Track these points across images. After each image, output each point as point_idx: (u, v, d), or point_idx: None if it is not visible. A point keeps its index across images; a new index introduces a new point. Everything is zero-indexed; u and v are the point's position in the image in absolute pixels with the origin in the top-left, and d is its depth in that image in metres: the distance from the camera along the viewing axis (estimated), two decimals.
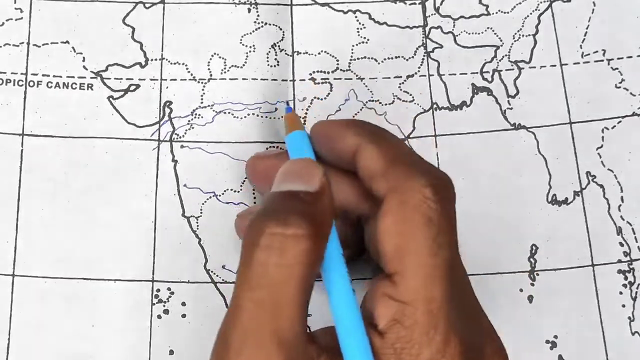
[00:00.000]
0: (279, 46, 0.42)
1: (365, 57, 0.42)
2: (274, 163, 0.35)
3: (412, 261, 0.29)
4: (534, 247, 0.40)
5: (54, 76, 0.41)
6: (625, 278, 0.40)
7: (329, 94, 0.41)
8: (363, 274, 0.39)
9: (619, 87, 0.42)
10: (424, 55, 0.42)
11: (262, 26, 0.42)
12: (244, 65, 0.41)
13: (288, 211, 0.28)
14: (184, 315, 0.39)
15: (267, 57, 0.41)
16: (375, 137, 0.32)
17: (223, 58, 0.41)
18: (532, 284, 0.40)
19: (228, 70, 0.41)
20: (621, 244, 0.40)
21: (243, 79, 0.41)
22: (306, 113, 0.41)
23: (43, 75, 0.41)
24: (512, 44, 0.42)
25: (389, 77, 0.42)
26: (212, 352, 0.29)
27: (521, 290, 0.40)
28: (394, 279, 0.29)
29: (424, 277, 0.29)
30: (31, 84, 0.41)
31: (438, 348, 0.28)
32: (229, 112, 0.41)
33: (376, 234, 0.30)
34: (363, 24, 0.42)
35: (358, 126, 0.33)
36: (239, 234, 0.37)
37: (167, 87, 0.41)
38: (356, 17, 0.42)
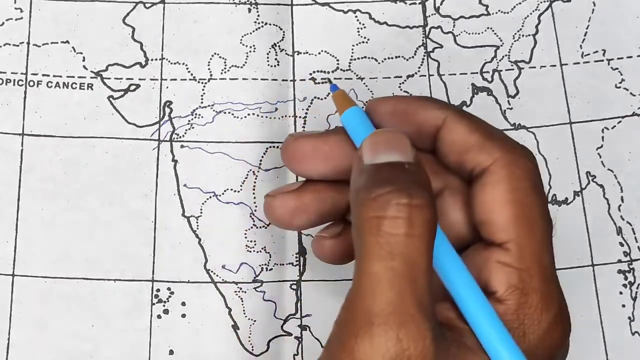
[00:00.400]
0: (279, 46, 0.42)
1: (365, 57, 0.42)
2: (320, 143, 0.33)
3: (527, 229, 0.29)
4: None
5: (54, 76, 0.41)
6: (625, 278, 0.40)
7: (329, 93, 0.41)
8: None
9: (619, 87, 0.42)
10: (424, 55, 0.42)
11: (262, 26, 0.42)
12: (244, 65, 0.41)
13: (407, 182, 0.28)
14: (183, 315, 0.39)
15: (268, 57, 0.41)
16: (460, 112, 0.32)
17: (223, 58, 0.41)
18: None
19: (228, 70, 0.41)
20: (621, 244, 0.40)
21: (243, 78, 0.41)
22: (306, 113, 0.41)
23: (43, 75, 0.41)
24: (512, 44, 0.42)
25: (389, 77, 0.42)
26: (339, 327, 0.28)
27: None
28: (507, 247, 0.29)
29: (538, 245, 0.29)
30: (31, 83, 0.41)
31: (555, 315, 0.29)
32: (229, 112, 0.41)
33: (479, 204, 0.30)
34: (363, 24, 0.42)
35: (438, 101, 0.33)
36: (270, 214, 0.34)
37: (167, 87, 0.41)
38: (356, 17, 0.42)
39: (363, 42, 0.42)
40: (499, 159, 0.30)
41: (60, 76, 0.41)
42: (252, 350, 0.38)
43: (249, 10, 0.42)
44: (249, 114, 0.41)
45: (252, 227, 0.40)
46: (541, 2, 0.43)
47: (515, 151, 0.30)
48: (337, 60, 0.42)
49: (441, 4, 0.43)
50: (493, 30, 0.43)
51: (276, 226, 0.35)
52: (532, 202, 0.30)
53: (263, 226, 0.40)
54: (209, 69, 0.41)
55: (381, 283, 0.26)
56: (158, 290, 0.39)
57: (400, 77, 0.42)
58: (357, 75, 0.42)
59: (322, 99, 0.41)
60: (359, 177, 0.29)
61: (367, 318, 0.26)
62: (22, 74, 0.41)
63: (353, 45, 0.42)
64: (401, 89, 0.42)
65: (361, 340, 0.26)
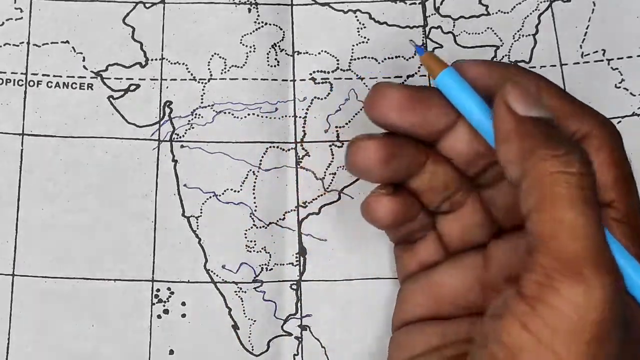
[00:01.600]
0: (279, 46, 0.42)
1: (365, 57, 0.42)
2: (415, 93, 0.33)
3: (627, 189, 0.32)
4: None
5: (54, 76, 0.41)
6: None
7: (329, 93, 0.41)
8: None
9: (619, 87, 0.42)
10: None
11: (262, 26, 0.42)
12: (244, 65, 0.41)
13: (576, 143, 0.30)
14: (183, 315, 0.39)
15: (268, 57, 0.41)
16: (548, 81, 0.33)
17: (223, 58, 0.41)
18: None
19: (228, 70, 0.41)
20: None
21: (243, 78, 0.41)
22: (306, 113, 0.41)
23: (43, 75, 0.41)
24: (512, 44, 0.42)
25: (390, 77, 0.42)
26: (541, 274, 0.28)
27: None
28: (615, 206, 0.31)
29: (636, 204, 0.32)
30: (31, 83, 0.41)
31: None
32: (229, 112, 0.41)
33: None
34: (363, 24, 0.42)
35: (526, 70, 0.34)
36: (354, 165, 0.34)
37: (167, 87, 0.41)
38: (356, 16, 0.42)
39: (363, 42, 0.42)
40: (596, 126, 0.32)
41: (60, 76, 0.41)
42: (252, 350, 0.38)
43: (249, 10, 0.42)
44: (249, 114, 0.41)
45: (252, 227, 0.40)
46: (541, 2, 0.43)
47: (605, 120, 0.33)
48: (337, 60, 0.42)
49: (441, 4, 0.43)
50: (493, 30, 0.43)
51: (353, 172, 0.35)
52: (626, 165, 0.32)
53: (263, 226, 0.40)
54: (209, 69, 0.41)
55: (584, 229, 0.27)
56: (158, 290, 0.39)
57: (401, 77, 0.42)
58: (357, 75, 0.42)
59: (322, 99, 0.41)
60: (519, 126, 0.30)
61: (579, 263, 0.27)
62: (22, 74, 0.41)
63: (353, 45, 0.42)
64: None
65: (577, 285, 0.27)
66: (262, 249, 0.39)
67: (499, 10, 0.43)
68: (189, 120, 0.41)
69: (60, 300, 0.39)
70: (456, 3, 0.43)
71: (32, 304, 0.38)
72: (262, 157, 0.40)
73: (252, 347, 0.38)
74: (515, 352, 0.27)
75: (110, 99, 0.41)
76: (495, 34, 0.43)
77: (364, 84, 0.42)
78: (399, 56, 0.42)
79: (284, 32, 0.42)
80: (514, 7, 0.43)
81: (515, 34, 0.43)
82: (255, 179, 0.40)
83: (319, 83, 0.42)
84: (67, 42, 0.41)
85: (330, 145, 0.41)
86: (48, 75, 0.41)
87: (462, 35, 0.43)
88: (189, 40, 0.42)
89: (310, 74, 0.42)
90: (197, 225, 0.40)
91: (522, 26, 0.43)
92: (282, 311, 0.39)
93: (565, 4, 0.43)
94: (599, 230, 0.28)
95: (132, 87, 0.41)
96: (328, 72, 0.42)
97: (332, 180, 0.40)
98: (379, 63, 0.42)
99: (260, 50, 0.42)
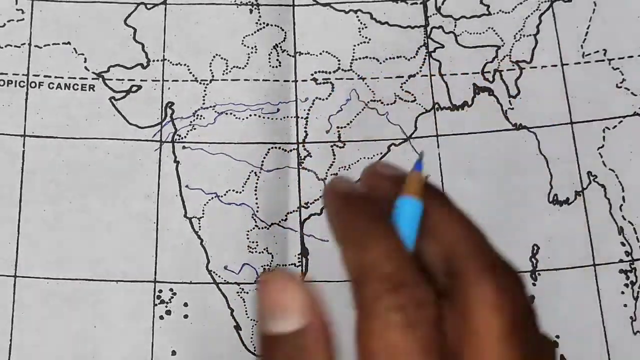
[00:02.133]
0: (280, 47, 0.42)
1: (366, 57, 0.42)
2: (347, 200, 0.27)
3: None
4: (535, 247, 0.40)
5: (56, 77, 0.41)
6: (627, 278, 0.40)
7: (330, 94, 0.41)
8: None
9: (620, 87, 0.42)
10: (426, 55, 0.42)
11: (263, 27, 0.42)
12: (245, 66, 0.41)
13: None
14: (186, 316, 0.39)
15: (269, 58, 0.41)
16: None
17: (225, 59, 0.41)
18: (534, 284, 0.40)
19: (230, 71, 0.41)
20: (623, 244, 0.40)
21: (245, 79, 0.41)
22: (308, 114, 0.41)
23: (45, 76, 0.41)
24: (513, 44, 0.42)
25: (391, 77, 0.42)
26: None
27: None
28: None
29: None
30: (33, 85, 0.41)
31: None
32: (230, 113, 0.41)
33: None
34: (364, 24, 0.42)
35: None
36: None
37: (168, 88, 0.41)
38: (357, 17, 0.42)
39: (364, 42, 0.42)
40: (482, 281, 0.24)
41: (62, 77, 0.41)
42: (255, 350, 0.38)
43: (251, 11, 0.42)
44: (250, 115, 0.41)
45: (254, 228, 0.40)
46: (542, 2, 0.43)
47: (498, 284, 0.24)
48: (339, 60, 0.42)
49: (442, 3, 0.43)
50: (494, 30, 0.43)
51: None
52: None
53: (265, 227, 0.40)
54: (210, 70, 0.41)
55: None
56: (160, 291, 0.39)
57: (402, 77, 0.42)
58: (358, 75, 0.42)
59: (323, 100, 0.41)
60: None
61: None
62: (23, 75, 0.41)
63: (354, 45, 0.42)
64: (403, 89, 0.42)
65: None
66: (264, 249, 0.39)
67: (500, 10, 0.43)
68: (191, 122, 0.41)
69: (62, 301, 0.39)
70: (457, 3, 0.43)
71: (34, 305, 0.38)
72: (264, 158, 0.40)
73: (255, 347, 0.38)
74: None
75: (112, 100, 0.41)
76: (496, 33, 0.43)
77: (366, 84, 0.42)
78: (400, 56, 0.42)
79: (285, 32, 0.42)
80: (515, 7, 0.43)
81: (517, 34, 0.43)
82: (257, 179, 0.40)
83: (320, 83, 0.42)
84: (69, 43, 0.41)
85: (331, 146, 0.41)
86: (49, 77, 0.41)
87: (464, 35, 0.43)
88: (190, 42, 0.42)
89: (312, 75, 0.42)
90: (199, 226, 0.40)
91: (523, 26, 0.43)
92: None
93: (566, 4, 0.43)
94: None
95: (134, 88, 0.41)
96: (329, 73, 0.42)
97: None
98: (380, 63, 0.42)
99: (262, 51, 0.42)
